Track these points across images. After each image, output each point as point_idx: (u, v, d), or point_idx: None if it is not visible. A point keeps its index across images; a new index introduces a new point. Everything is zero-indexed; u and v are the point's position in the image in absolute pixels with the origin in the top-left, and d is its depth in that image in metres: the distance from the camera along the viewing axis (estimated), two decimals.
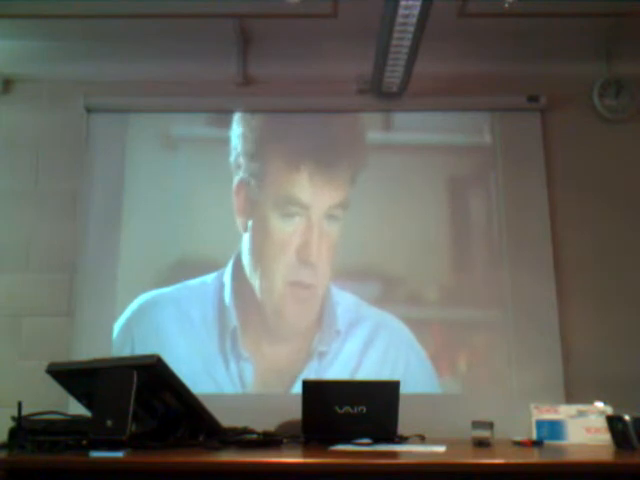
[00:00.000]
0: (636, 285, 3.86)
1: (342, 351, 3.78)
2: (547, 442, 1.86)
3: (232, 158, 4.02)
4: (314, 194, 3.93)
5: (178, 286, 3.88)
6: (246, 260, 3.91)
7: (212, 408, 1.91)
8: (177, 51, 4.01)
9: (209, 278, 3.89)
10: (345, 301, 3.85)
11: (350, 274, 3.88)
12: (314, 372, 3.71)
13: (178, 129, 4.09)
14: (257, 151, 4.02)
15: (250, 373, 3.76)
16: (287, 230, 3.91)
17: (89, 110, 4.09)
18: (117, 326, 3.82)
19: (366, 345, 3.78)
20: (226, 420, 1.95)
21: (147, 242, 3.95)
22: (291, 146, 4.03)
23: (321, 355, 3.77)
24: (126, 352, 3.70)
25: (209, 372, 3.74)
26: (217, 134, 4.10)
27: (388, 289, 3.85)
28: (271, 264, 3.88)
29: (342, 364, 3.74)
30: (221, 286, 3.88)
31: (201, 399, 1.87)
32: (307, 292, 3.86)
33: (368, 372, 3.68)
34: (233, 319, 3.82)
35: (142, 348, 3.73)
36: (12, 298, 3.91)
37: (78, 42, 4.02)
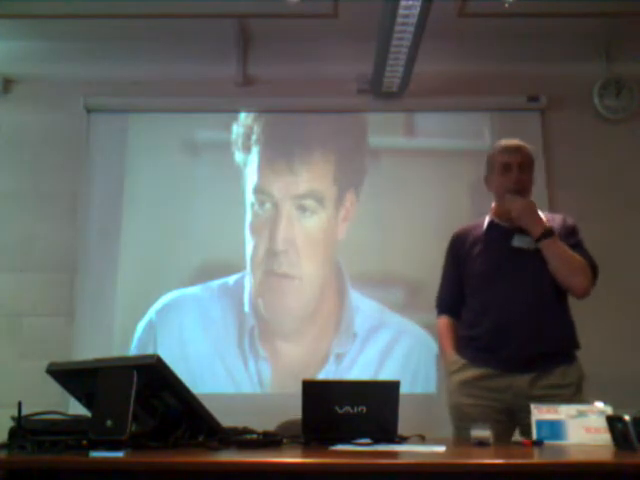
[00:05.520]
0: (636, 285, 3.86)
1: (361, 355, 3.80)
2: (547, 442, 1.86)
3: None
4: (277, 182, 3.97)
5: (200, 286, 3.90)
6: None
7: (211, 408, 1.91)
8: (177, 51, 4.02)
9: (231, 279, 3.90)
10: (367, 307, 3.86)
11: (372, 280, 3.90)
12: (332, 374, 3.74)
13: (178, 129, 4.09)
14: (244, 144, 4.06)
15: (268, 373, 3.79)
16: (260, 218, 3.95)
17: (89, 110, 4.09)
18: (140, 326, 3.84)
19: (386, 351, 3.80)
20: (225, 420, 1.95)
21: (147, 242, 3.95)
22: (270, 139, 4.07)
23: (338, 357, 3.78)
24: (149, 351, 3.71)
25: (229, 371, 3.77)
26: (217, 134, 4.10)
27: (410, 295, 3.87)
28: (254, 254, 3.93)
29: (361, 368, 3.76)
30: (242, 286, 3.90)
31: (202, 399, 1.87)
32: (284, 282, 3.86)
33: (388, 378, 3.69)
34: (251, 318, 3.84)
35: (165, 347, 3.76)
36: (12, 298, 3.91)
37: (78, 42, 4.03)
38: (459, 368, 2.44)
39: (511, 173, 2.41)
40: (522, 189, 2.41)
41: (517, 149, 2.45)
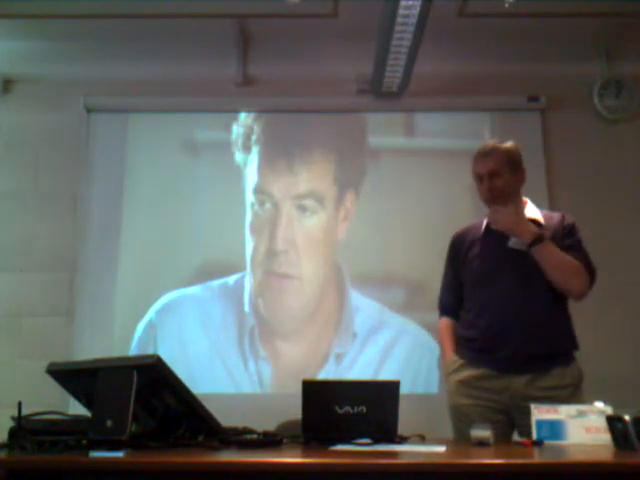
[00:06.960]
0: (636, 285, 3.86)
1: (361, 355, 3.80)
2: (547, 442, 1.86)
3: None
4: (277, 182, 3.97)
5: (200, 286, 3.90)
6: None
7: (211, 408, 1.91)
8: (177, 51, 4.02)
9: (231, 279, 3.90)
10: (367, 307, 3.86)
11: (372, 280, 3.89)
12: (332, 374, 3.73)
13: (178, 129, 4.09)
14: (244, 144, 4.06)
15: (268, 373, 3.79)
16: (260, 218, 3.95)
17: (89, 110, 4.09)
18: (140, 326, 3.84)
19: (386, 351, 3.80)
20: (225, 420, 1.95)
21: (147, 242, 3.95)
22: (270, 139, 4.07)
23: (338, 357, 3.78)
24: (149, 351, 3.70)
25: (229, 371, 3.77)
26: (217, 134, 4.10)
27: (411, 295, 3.87)
28: (254, 254, 3.93)
29: (361, 368, 3.76)
30: (242, 286, 3.90)
31: (202, 399, 1.88)
32: (284, 282, 3.86)
33: (388, 378, 3.69)
34: (251, 318, 3.84)
35: (165, 347, 3.76)
36: (12, 298, 3.91)
37: (78, 42, 4.03)
38: (457, 368, 2.43)
39: (483, 183, 2.43)
40: (497, 195, 2.39)
41: (486, 155, 2.44)
